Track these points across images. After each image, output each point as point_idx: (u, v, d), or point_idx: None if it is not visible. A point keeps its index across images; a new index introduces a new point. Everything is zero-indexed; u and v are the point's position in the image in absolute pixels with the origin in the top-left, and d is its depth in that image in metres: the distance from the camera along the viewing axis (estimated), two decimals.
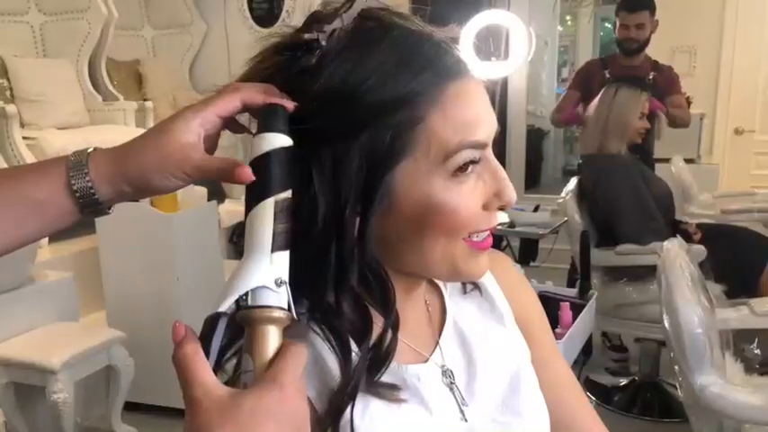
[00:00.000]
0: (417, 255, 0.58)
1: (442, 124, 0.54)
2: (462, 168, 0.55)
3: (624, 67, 3.19)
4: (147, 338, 2.49)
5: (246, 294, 0.48)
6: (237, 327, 0.54)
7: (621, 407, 2.70)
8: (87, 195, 0.55)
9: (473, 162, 0.56)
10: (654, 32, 3.17)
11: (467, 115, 0.55)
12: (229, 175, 0.52)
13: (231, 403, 0.44)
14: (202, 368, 0.45)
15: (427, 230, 0.56)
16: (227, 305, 0.48)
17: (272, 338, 0.47)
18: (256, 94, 0.54)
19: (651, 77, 3.15)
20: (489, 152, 0.57)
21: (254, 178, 0.51)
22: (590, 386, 2.80)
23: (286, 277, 0.49)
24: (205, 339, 0.48)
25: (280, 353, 0.47)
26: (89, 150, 0.56)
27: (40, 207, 0.55)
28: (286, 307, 0.48)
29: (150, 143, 0.55)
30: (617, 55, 3.28)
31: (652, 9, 3.14)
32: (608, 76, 3.13)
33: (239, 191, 3.57)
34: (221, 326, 0.49)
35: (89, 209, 0.56)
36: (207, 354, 0.47)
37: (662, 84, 3.17)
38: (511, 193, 0.58)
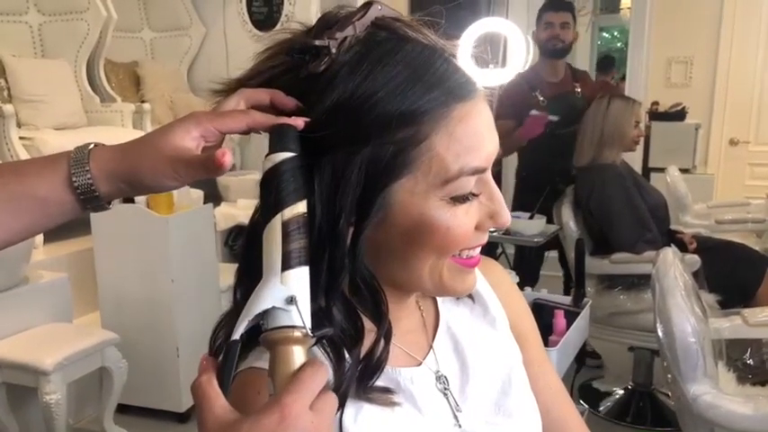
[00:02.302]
0: (406, 269, 0.58)
1: (445, 146, 0.54)
2: (462, 199, 0.55)
3: (551, 84, 3.08)
4: (140, 341, 2.48)
5: (264, 318, 0.47)
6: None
7: (614, 415, 2.70)
8: (88, 191, 0.56)
9: (473, 195, 0.56)
10: (575, 43, 3.19)
11: (470, 139, 0.55)
12: (212, 161, 0.53)
13: (231, 428, 0.44)
14: (214, 395, 0.45)
15: (419, 247, 0.56)
16: (239, 332, 0.47)
17: (289, 359, 0.46)
18: (265, 120, 0.53)
19: (579, 91, 3.09)
20: (488, 174, 0.57)
21: (230, 158, 0.52)
22: (583, 394, 2.81)
23: (301, 294, 0.47)
24: (222, 367, 0.47)
25: (295, 373, 0.45)
26: (90, 146, 0.57)
27: (42, 203, 0.56)
28: (299, 324, 0.47)
29: (148, 144, 0.56)
30: (538, 69, 3.16)
31: (574, 14, 3.15)
32: (541, 98, 3.00)
33: (235, 194, 3.58)
34: (237, 353, 0.48)
35: (90, 204, 0.57)
36: (225, 380, 0.47)
37: (588, 94, 3.12)
38: (506, 216, 0.58)
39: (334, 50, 0.53)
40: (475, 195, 0.56)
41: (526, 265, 3.13)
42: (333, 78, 0.53)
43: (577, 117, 2.99)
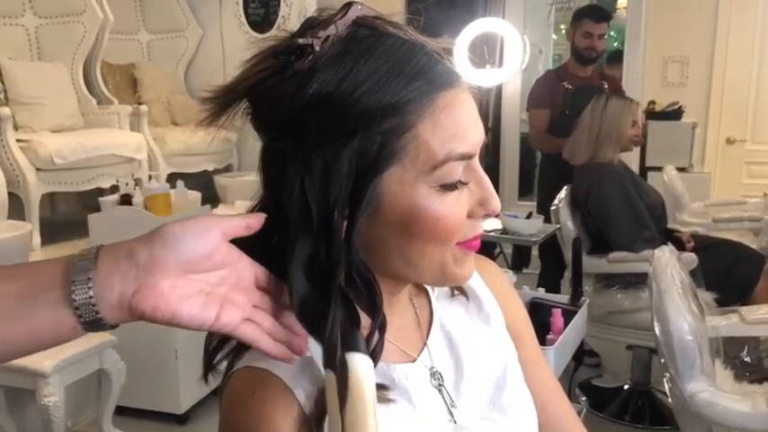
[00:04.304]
0: (404, 260, 0.58)
1: (430, 133, 0.55)
2: (451, 187, 0.56)
3: (579, 77, 3.25)
4: (138, 343, 2.48)
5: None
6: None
7: (613, 414, 2.70)
8: (91, 317, 0.48)
9: (462, 183, 0.57)
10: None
11: (456, 126, 0.56)
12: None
13: None
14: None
15: (413, 237, 0.57)
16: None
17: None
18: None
19: (606, 87, 3.22)
20: (476, 162, 0.58)
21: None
22: (581, 392, 2.81)
23: None
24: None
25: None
26: (94, 252, 0.50)
27: (36, 331, 0.48)
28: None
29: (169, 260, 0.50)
30: (568, 66, 3.34)
31: (610, 21, 3.32)
32: (568, 86, 3.19)
33: (232, 195, 3.58)
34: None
35: (91, 328, 0.49)
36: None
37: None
38: (496, 203, 0.59)
39: (317, 48, 0.54)
40: (464, 184, 0.57)
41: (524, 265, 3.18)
42: (317, 74, 0.53)
43: None
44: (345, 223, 0.55)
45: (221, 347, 0.59)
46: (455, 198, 0.57)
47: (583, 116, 2.78)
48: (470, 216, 0.59)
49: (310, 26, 0.56)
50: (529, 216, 2.72)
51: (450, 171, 0.56)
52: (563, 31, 7.27)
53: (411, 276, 0.62)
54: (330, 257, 0.54)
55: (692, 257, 2.43)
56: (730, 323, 1.87)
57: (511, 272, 2.22)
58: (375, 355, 0.57)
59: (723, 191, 4.53)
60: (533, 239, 2.70)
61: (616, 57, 4.81)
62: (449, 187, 0.56)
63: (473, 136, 0.57)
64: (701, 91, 4.66)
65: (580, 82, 3.23)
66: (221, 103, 0.57)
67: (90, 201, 3.20)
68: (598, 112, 2.69)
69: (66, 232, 2.94)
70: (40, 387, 2.06)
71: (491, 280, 0.75)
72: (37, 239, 2.77)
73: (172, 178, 3.21)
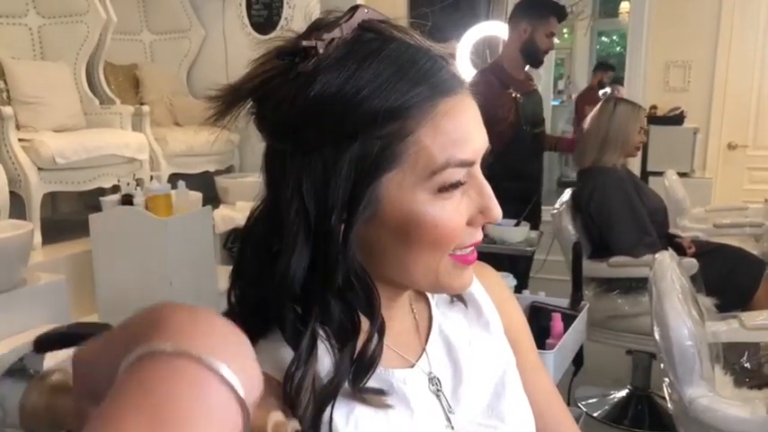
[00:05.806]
0: (400, 265, 0.58)
1: (431, 139, 0.55)
2: (448, 189, 0.56)
3: (521, 82, 2.96)
4: None
5: None
6: None
7: (612, 418, 2.70)
8: None
9: (460, 183, 0.56)
10: None
11: (457, 132, 0.56)
12: None
13: None
14: None
15: (410, 243, 0.57)
16: None
17: None
18: None
19: (536, 89, 3.09)
20: (477, 169, 0.58)
21: None
22: (581, 397, 2.81)
23: None
24: None
25: None
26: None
27: None
28: None
29: None
30: (507, 67, 2.95)
31: None
32: (517, 95, 2.88)
33: (234, 196, 3.58)
34: None
35: None
36: None
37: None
38: (496, 211, 0.59)
39: (321, 50, 0.54)
40: (462, 183, 0.57)
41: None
42: (320, 76, 0.53)
43: (542, 114, 3.03)
44: (343, 226, 0.55)
45: None
46: (454, 204, 0.57)
47: (590, 119, 2.75)
48: (470, 224, 0.59)
49: (316, 28, 0.56)
50: (518, 224, 2.68)
51: (449, 177, 0.55)
52: (565, 36, 7.28)
53: (406, 282, 0.61)
54: (328, 260, 0.54)
55: (692, 263, 2.42)
56: (730, 329, 1.87)
57: (511, 276, 2.21)
58: (374, 359, 0.57)
59: (724, 196, 4.52)
60: (528, 249, 2.66)
61: (606, 65, 4.80)
62: (447, 188, 0.56)
63: (474, 142, 0.57)
64: (702, 96, 4.66)
65: (521, 88, 2.94)
66: (226, 101, 0.57)
67: (91, 200, 3.20)
68: (606, 117, 2.68)
69: (67, 232, 2.95)
70: None
71: (490, 286, 0.75)
72: (38, 239, 2.78)
73: (173, 179, 3.21)
